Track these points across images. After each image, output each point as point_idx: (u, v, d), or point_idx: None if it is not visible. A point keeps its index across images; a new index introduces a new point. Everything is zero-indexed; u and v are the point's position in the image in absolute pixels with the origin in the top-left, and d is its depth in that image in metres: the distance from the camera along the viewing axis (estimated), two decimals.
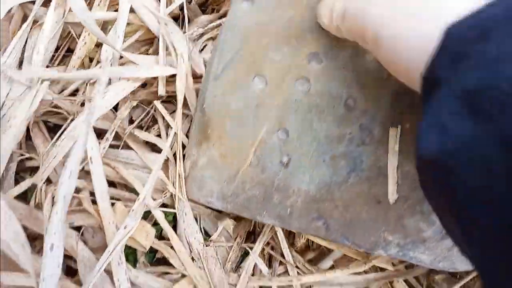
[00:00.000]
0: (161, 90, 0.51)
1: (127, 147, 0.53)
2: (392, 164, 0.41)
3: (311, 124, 0.42)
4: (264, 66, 0.43)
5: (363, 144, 0.41)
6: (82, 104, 0.52)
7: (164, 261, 0.51)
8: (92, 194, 0.49)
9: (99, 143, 0.49)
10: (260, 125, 0.44)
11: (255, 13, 0.42)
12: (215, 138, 0.45)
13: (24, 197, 0.50)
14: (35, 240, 0.49)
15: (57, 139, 0.48)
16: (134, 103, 0.54)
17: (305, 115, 0.42)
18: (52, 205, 0.42)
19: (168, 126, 0.53)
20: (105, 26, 0.55)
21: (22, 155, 0.51)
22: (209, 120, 0.45)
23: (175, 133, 0.49)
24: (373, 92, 0.41)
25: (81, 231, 0.49)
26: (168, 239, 0.50)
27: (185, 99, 0.50)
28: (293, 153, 0.43)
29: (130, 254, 0.52)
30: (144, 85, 0.53)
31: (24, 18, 0.54)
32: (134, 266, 0.51)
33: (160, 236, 0.53)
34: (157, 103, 0.52)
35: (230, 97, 0.44)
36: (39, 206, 0.48)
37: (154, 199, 0.50)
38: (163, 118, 0.52)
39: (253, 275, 0.52)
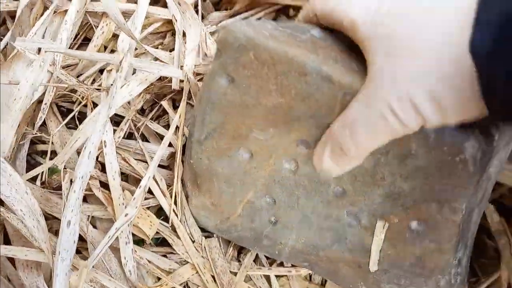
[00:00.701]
0: (175, 85, 0.52)
1: (132, 136, 0.54)
2: (376, 250, 0.40)
3: (298, 199, 0.41)
4: (249, 142, 0.38)
5: (349, 226, 0.40)
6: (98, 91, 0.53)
7: (169, 244, 0.57)
8: (101, 183, 0.52)
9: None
10: (247, 189, 0.42)
11: (237, 93, 0.35)
12: (205, 190, 0.45)
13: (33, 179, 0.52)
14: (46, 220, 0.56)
15: (72, 123, 0.53)
16: (148, 96, 0.53)
17: (292, 191, 0.40)
18: (70, 184, 0.43)
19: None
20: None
21: (35, 135, 0.53)
22: (197, 174, 0.44)
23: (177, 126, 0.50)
24: (363, 188, 0.37)
25: (90, 215, 0.53)
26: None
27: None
28: (280, 217, 0.43)
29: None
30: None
31: (45, 9, 0.54)
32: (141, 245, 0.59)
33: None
34: (164, 103, 0.53)
35: (216, 163, 0.41)
36: (49, 188, 0.52)
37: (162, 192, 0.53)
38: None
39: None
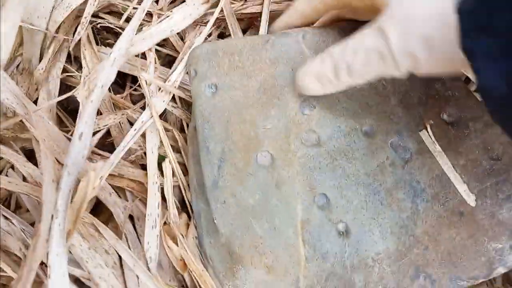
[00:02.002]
0: None
1: None
2: (446, 165, 0.35)
3: (344, 171, 0.36)
4: (261, 140, 0.36)
5: (407, 162, 0.36)
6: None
7: None
8: None
9: None
10: (292, 205, 0.35)
11: (224, 94, 0.37)
12: (250, 252, 0.34)
13: None
14: None
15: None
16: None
17: (332, 165, 0.36)
18: (88, 94, 0.38)
19: None
20: None
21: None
22: (231, 237, 0.34)
23: None
24: (380, 108, 0.37)
25: None
26: None
27: None
28: (346, 215, 0.35)
29: None
30: None
31: None
32: None
33: None
34: None
35: (243, 194, 0.35)
36: None
37: None
38: None
39: None
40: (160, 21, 0.41)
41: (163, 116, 0.46)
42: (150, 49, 0.41)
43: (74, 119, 0.47)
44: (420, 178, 0.36)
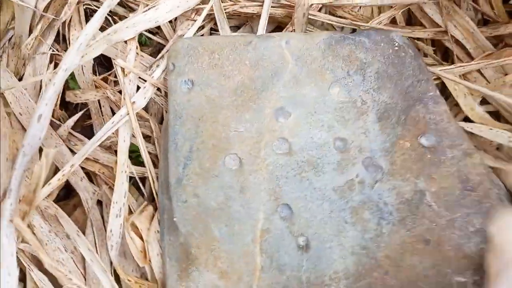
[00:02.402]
0: None
1: None
2: None
3: (311, 183, 0.35)
4: (231, 143, 0.35)
5: (377, 182, 0.35)
6: None
7: None
8: None
9: None
10: (254, 213, 0.34)
11: (199, 91, 0.36)
12: (205, 255, 0.33)
13: None
14: None
15: None
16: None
17: (300, 176, 0.35)
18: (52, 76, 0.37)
19: None
20: None
21: None
22: (188, 237, 0.34)
23: None
24: (357, 124, 0.36)
25: None
26: None
27: None
28: (307, 229, 0.34)
29: None
30: None
31: None
32: None
33: None
34: None
35: (205, 194, 0.34)
36: None
37: None
38: None
39: None
40: (146, 11, 0.40)
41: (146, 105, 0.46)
42: (133, 38, 0.40)
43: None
44: (388, 200, 0.34)
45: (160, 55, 0.42)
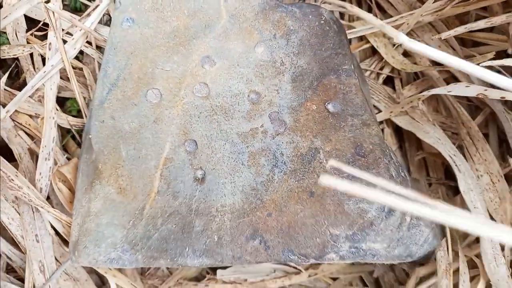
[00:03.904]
0: None
1: None
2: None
3: (219, 125, 0.38)
4: (156, 79, 0.39)
5: (278, 134, 0.38)
6: None
7: None
8: None
9: None
10: (162, 142, 0.37)
11: (137, 30, 0.40)
12: (110, 171, 0.37)
13: None
14: None
15: None
16: None
17: (211, 118, 0.38)
18: None
19: None
20: None
21: None
22: (99, 154, 0.37)
23: None
24: (273, 81, 0.39)
25: None
26: None
27: None
28: (207, 164, 0.37)
29: None
30: None
31: None
32: None
33: None
34: None
35: (121, 118, 0.38)
36: None
37: None
38: None
39: None
40: None
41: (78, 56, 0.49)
42: None
43: None
44: (285, 152, 0.38)
45: (91, 7, 0.46)
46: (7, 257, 0.43)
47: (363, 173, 0.26)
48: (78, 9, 0.52)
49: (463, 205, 0.43)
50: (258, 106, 0.39)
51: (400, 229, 0.37)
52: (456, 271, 0.39)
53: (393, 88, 0.52)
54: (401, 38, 0.24)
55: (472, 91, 0.38)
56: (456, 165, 0.42)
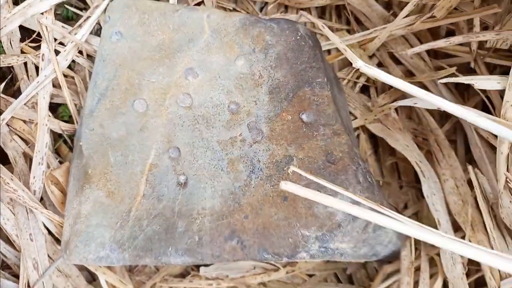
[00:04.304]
0: None
1: None
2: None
3: (201, 134, 0.41)
4: (142, 89, 0.42)
5: (256, 142, 0.41)
6: None
7: None
8: None
9: None
10: (147, 149, 0.40)
11: (125, 44, 0.43)
12: (99, 176, 0.40)
13: None
14: None
15: None
16: None
17: (193, 127, 0.41)
18: None
19: None
20: None
21: None
22: (89, 159, 0.40)
23: None
24: (251, 93, 0.42)
25: None
26: None
27: None
28: (189, 170, 0.40)
29: None
30: None
31: None
32: None
33: None
34: None
35: (110, 127, 0.41)
36: None
37: None
38: None
39: None
40: None
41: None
42: (49, 10, 0.47)
43: None
44: (261, 159, 0.41)
45: (83, 18, 0.49)
46: (2, 254, 0.46)
47: (322, 181, 0.29)
48: (70, 18, 0.55)
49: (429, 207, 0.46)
50: (237, 116, 0.42)
51: (365, 231, 0.40)
52: (418, 269, 0.43)
53: (369, 96, 0.55)
54: (359, 63, 0.27)
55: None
56: (421, 171, 0.46)
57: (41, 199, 0.46)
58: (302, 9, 0.55)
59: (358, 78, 0.55)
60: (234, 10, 0.55)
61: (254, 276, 0.49)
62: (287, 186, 0.23)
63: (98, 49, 0.43)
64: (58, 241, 0.45)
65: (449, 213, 0.45)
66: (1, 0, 0.44)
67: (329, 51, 0.55)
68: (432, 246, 0.46)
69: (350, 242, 0.40)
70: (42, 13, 0.47)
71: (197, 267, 0.50)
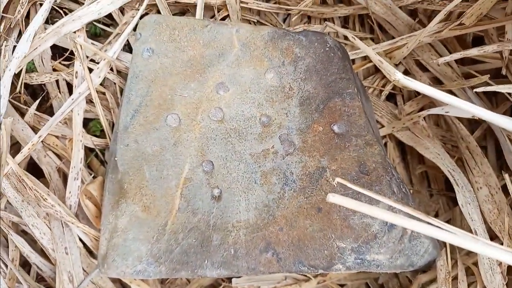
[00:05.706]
0: None
1: None
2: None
3: (233, 147, 0.41)
4: (174, 104, 0.42)
5: (288, 155, 0.41)
6: None
7: None
8: None
9: None
10: (181, 163, 0.41)
11: (157, 60, 0.43)
12: (134, 190, 0.40)
13: None
14: None
15: None
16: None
17: (226, 140, 0.42)
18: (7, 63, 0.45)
19: None
20: None
21: None
22: (124, 174, 0.41)
23: None
24: (282, 105, 0.43)
25: None
26: None
27: None
28: (222, 183, 0.40)
29: None
30: None
31: None
32: None
33: None
34: None
35: (144, 142, 0.41)
36: None
37: None
38: None
39: None
40: (89, 4, 0.48)
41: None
42: (81, 29, 0.48)
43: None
44: (294, 171, 0.41)
45: (112, 35, 0.50)
46: (38, 267, 0.47)
47: (367, 191, 0.29)
48: (98, 35, 0.56)
49: (462, 215, 0.46)
50: (269, 128, 0.42)
51: (401, 241, 0.40)
52: (455, 279, 0.42)
53: (395, 103, 0.55)
54: (398, 75, 0.27)
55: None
56: (454, 180, 0.45)
57: (75, 213, 0.47)
58: (325, 19, 0.55)
59: (384, 86, 0.55)
60: (259, 22, 0.55)
61: (286, 286, 0.49)
62: (334, 198, 0.23)
63: (130, 66, 0.43)
64: (92, 254, 0.46)
65: (484, 221, 0.44)
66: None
67: (353, 60, 0.55)
68: (468, 255, 0.46)
69: (386, 253, 0.40)
70: (74, 32, 0.48)
71: (229, 278, 0.50)
